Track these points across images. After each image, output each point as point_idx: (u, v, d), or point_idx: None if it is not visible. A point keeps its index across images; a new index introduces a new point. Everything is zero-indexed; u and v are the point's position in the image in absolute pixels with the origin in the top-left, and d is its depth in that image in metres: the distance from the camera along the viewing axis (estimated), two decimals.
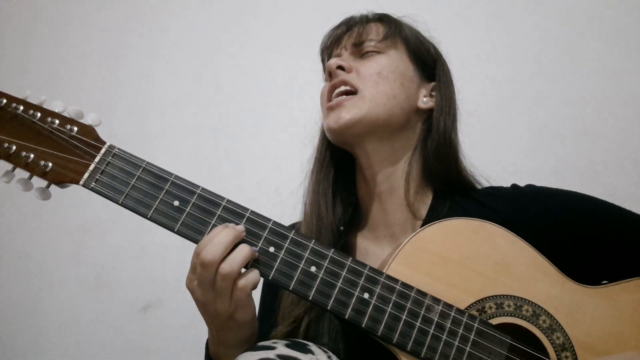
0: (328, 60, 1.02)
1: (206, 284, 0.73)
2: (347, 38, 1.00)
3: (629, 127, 1.41)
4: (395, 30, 0.98)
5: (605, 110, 1.43)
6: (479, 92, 1.49)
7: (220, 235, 0.73)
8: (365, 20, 1.01)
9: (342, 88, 0.94)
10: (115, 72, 1.81)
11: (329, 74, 0.97)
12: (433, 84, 1.00)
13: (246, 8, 1.75)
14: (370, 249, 0.96)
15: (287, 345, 0.72)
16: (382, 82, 0.93)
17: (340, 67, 0.95)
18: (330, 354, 0.75)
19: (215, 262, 0.72)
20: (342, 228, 0.96)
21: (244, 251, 0.74)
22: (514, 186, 0.95)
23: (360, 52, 0.98)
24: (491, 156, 1.40)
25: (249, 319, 0.77)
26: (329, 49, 1.04)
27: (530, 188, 0.94)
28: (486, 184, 0.99)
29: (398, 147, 0.95)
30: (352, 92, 0.93)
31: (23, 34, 1.92)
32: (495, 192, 0.94)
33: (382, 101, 0.92)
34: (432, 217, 0.91)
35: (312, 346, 0.74)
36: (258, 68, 1.71)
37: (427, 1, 1.58)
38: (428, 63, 1.00)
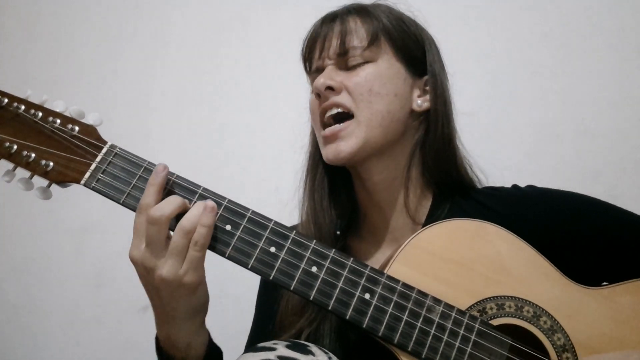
0: (310, 69, 0.97)
1: (157, 244, 0.73)
2: (328, 43, 0.92)
3: (629, 127, 1.41)
4: (378, 28, 0.91)
5: (605, 110, 1.43)
6: (479, 92, 1.49)
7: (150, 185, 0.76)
8: (343, 19, 0.93)
9: (334, 111, 0.90)
10: (116, 72, 1.81)
11: (317, 95, 0.91)
12: (425, 78, 0.95)
13: (247, 8, 1.75)
14: (370, 253, 0.96)
15: (288, 347, 0.72)
16: (375, 99, 0.88)
17: (329, 87, 0.89)
18: (331, 355, 0.74)
19: (149, 205, 0.74)
20: (338, 232, 0.96)
21: (177, 198, 0.75)
22: (515, 187, 0.95)
23: (345, 62, 0.91)
24: (491, 156, 1.38)
25: (201, 280, 0.76)
26: (310, 55, 0.96)
27: (531, 189, 0.93)
28: (484, 179, 0.98)
29: (397, 155, 0.93)
30: (346, 114, 0.89)
31: (24, 33, 1.92)
32: (495, 193, 0.94)
33: (377, 122, 0.88)
34: (432, 220, 0.90)
35: (313, 347, 0.74)
36: (259, 67, 1.71)
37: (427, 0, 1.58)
38: (417, 57, 0.95)
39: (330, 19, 0.94)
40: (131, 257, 0.75)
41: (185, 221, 0.74)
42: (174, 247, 0.73)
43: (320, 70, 0.93)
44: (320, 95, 0.91)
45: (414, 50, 0.94)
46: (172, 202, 0.75)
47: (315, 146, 0.99)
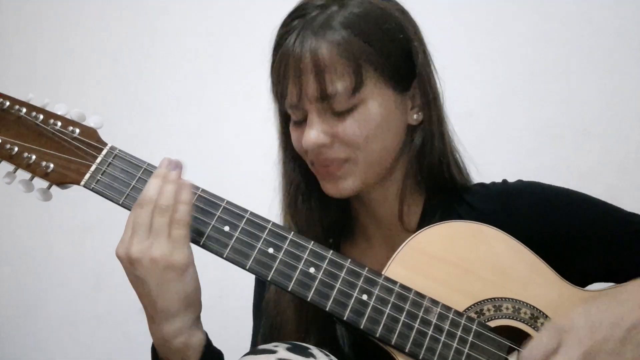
0: (282, 100, 0.86)
1: (143, 228, 0.73)
2: (305, 79, 0.80)
3: (629, 127, 1.41)
4: (357, 57, 0.80)
5: (605, 110, 1.43)
6: (479, 92, 1.49)
7: (151, 181, 0.76)
8: (311, 41, 0.81)
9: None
10: (115, 74, 1.82)
11: (305, 151, 0.85)
12: (414, 85, 0.88)
13: (246, 8, 1.75)
14: (364, 256, 0.95)
15: (288, 349, 0.72)
16: (372, 141, 0.83)
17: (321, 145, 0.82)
18: (332, 357, 0.74)
19: (152, 199, 0.74)
20: (331, 241, 0.94)
21: (180, 184, 0.76)
22: (504, 182, 0.93)
23: (329, 106, 0.81)
24: (491, 156, 1.39)
25: (189, 261, 0.74)
26: (283, 88, 0.84)
27: (520, 183, 0.92)
28: (476, 176, 0.96)
29: (393, 171, 0.91)
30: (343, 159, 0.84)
31: (27, 37, 1.92)
32: (484, 191, 0.92)
33: (375, 160, 0.85)
34: (425, 223, 0.88)
35: (314, 349, 0.74)
36: (258, 67, 1.70)
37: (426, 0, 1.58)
38: (404, 69, 0.86)
39: (293, 40, 0.85)
40: (118, 253, 0.76)
41: (163, 199, 0.74)
42: (157, 228, 0.73)
43: (298, 108, 0.84)
44: (308, 152, 0.85)
45: (401, 63, 0.85)
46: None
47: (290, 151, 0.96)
